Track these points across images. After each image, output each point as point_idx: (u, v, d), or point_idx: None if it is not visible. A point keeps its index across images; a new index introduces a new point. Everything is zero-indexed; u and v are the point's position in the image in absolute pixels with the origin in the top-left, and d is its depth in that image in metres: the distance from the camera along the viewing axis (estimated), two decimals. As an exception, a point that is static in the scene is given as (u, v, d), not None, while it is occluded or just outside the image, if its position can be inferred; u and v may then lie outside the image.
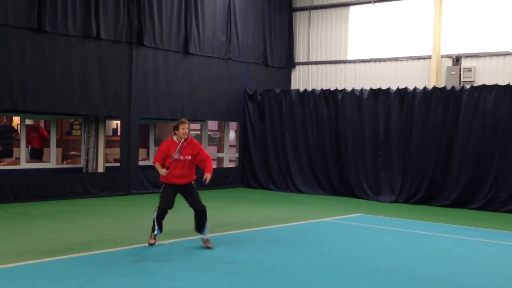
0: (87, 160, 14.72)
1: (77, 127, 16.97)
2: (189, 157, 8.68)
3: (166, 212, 8.70)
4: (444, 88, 14.84)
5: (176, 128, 8.67)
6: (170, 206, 8.73)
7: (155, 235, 8.70)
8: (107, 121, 15.93)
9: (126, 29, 14.56)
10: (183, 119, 8.78)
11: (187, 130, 8.64)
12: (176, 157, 8.56)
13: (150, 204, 13.31)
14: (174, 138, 8.72)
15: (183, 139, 8.60)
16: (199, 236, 8.79)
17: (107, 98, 14.34)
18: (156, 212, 8.65)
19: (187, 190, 8.73)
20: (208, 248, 8.55)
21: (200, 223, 8.69)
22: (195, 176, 8.89)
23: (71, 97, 13.65)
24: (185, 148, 8.64)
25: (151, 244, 8.63)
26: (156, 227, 8.65)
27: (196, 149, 8.74)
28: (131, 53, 14.79)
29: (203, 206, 8.68)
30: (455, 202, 14.34)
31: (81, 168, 14.74)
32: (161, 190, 8.83)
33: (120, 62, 14.59)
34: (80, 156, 15.07)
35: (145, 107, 15.26)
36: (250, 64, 18.01)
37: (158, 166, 8.70)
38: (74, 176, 14.12)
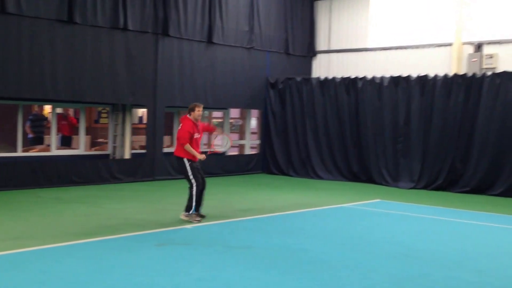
0: (114, 147, 15.17)
1: (105, 115, 17.45)
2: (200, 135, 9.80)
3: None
4: (465, 75, 14.88)
5: (192, 110, 9.64)
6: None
7: (196, 214, 9.58)
8: (133, 110, 16.35)
9: (152, 20, 14.91)
10: (198, 103, 9.83)
11: (202, 112, 9.77)
12: (196, 136, 9.62)
13: (174, 189, 13.76)
14: (192, 118, 9.65)
15: (197, 120, 9.67)
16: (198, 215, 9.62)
17: (134, 87, 14.75)
18: (196, 189, 9.46)
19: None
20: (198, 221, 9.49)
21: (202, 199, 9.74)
22: None
23: (99, 86, 14.07)
24: (199, 127, 9.75)
25: (198, 221, 9.45)
26: (194, 206, 9.48)
27: (200, 126, 9.89)
28: (157, 43, 15.15)
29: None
30: (475, 188, 14.45)
31: (108, 155, 15.20)
32: (188, 167, 9.53)
33: (146, 52, 14.96)
34: (107, 143, 15.52)
35: (170, 96, 15.64)
36: (272, 53, 18.24)
37: (191, 149, 9.54)
38: (102, 162, 14.60)
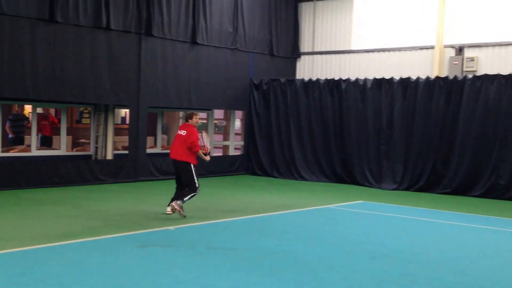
0: (96, 148, 15.07)
1: (87, 115, 17.32)
2: None
3: None
4: (446, 77, 15.03)
5: (190, 117, 10.44)
6: None
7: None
8: (116, 110, 16.25)
9: (135, 20, 14.83)
10: (194, 111, 10.74)
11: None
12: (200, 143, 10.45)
13: (157, 190, 13.68)
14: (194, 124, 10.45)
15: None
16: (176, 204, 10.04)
17: (116, 87, 14.65)
18: (198, 191, 10.27)
19: None
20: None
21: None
22: None
23: (81, 86, 13.95)
24: None
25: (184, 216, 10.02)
26: (186, 200, 10.15)
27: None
28: (140, 43, 15.07)
29: None
30: (456, 189, 14.60)
31: (90, 155, 15.08)
32: (194, 172, 10.22)
33: (129, 52, 14.87)
34: (89, 143, 15.41)
35: (153, 96, 15.56)
36: (256, 54, 18.25)
37: (202, 154, 10.46)
38: (84, 163, 14.47)
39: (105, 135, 15.10)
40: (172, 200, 10.16)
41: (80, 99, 14.24)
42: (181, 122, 20.07)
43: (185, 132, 10.20)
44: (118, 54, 14.60)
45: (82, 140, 17.03)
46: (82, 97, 14.13)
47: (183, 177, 10.24)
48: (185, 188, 10.22)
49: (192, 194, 10.18)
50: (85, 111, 17.65)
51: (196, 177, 10.21)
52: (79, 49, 13.83)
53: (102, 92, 14.37)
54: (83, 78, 13.95)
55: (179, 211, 9.92)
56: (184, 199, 10.07)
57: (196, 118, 10.41)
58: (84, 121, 18.07)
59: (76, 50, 13.79)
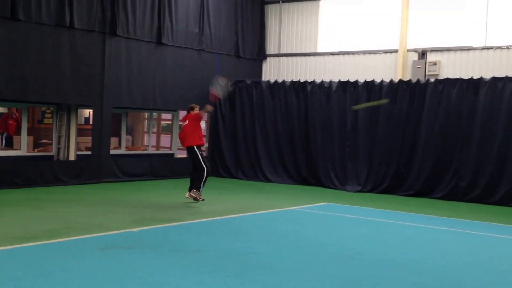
0: (59, 148, 14.80)
1: (49, 115, 17.01)
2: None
3: None
4: (409, 81, 15.29)
5: (192, 109, 12.09)
6: None
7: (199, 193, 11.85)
8: (79, 110, 16.00)
9: (99, 19, 14.62)
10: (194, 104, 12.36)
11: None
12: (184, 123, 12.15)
13: (121, 192, 13.52)
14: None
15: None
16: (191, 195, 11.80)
17: (79, 87, 14.42)
18: (206, 173, 11.66)
19: None
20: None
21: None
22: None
23: (43, 85, 13.69)
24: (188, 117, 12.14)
25: (203, 199, 11.82)
26: (202, 186, 11.77)
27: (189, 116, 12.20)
28: (104, 43, 14.87)
29: None
30: (418, 191, 14.84)
31: (52, 156, 14.81)
32: (199, 155, 11.76)
33: (93, 52, 14.66)
34: (51, 144, 15.12)
35: (118, 96, 15.37)
36: (222, 55, 18.21)
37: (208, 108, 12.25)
38: (46, 164, 14.19)
39: (68, 135, 14.84)
40: (190, 189, 11.88)
41: (42, 99, 13.96)
42: (146, 123, 19.91)
43: (187, 120, 11.95)
44: (82, 53, 14.38)
45: (44, 141, 16.71)
46: (44, 96, 13.86)
47: (192, 162, 11.88)
48: (195, 173, 11.78)
49: (202, 177, 11.70)
50: (47, 111, 17.33)
51: (202, 159, 11.69)
52: (41, 48, 13.57)
53: (65, 92, 14.12)
54: (45, 78, 13.69)
55: (196, 197, 11.71)
56: (200, 189, 11.81)
57: (196, 109, 12.01)
58: (46, 121, 17.74)
59: (38, 49, 13.52)
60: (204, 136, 18.89)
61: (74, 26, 14.03)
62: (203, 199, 11.89)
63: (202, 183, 11.86)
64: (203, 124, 19.03)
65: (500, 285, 7.03)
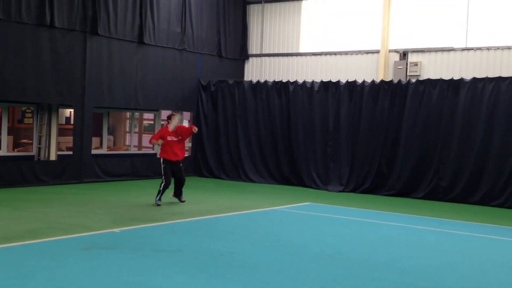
0: (39, 148, 14.65)
1: (29, 115, 16.79)
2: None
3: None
4: (391, 81, 15.40)
5: (169, 118, 12.04)
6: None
7: (158, 203, 11.78)
8: (60, 110, 15.85)
9: (80, 18, 14.51)
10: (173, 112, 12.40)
11: (178, 120, 12.28)
12: (170, 138, 11.89)
13: (102, 192, 13.42)
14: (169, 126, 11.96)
15: (174, 126, 12.00)
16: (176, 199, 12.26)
17: (60, 86, 14.29)
18: (163, 185, 11.80)
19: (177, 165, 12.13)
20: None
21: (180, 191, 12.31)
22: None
23: (23, 85, 13.55)
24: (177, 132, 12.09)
25: (158, 205, 11.72)
26: (159, 196, 11.78)
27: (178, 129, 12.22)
28: (85, 42, 14.76)
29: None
30: (400, 191, 14.96)
31: (33, 156, 14.66)
32: (162, 167, 11.91)
33: (74, 51, 14.54)
34: (32, 144, 14.97)
35: (99, 96, 15.26)
36: (204, 55, 18.18)
37: (155, 142, 12.41)
38: (26, 164, 14.05)
39: (49, 135, 14.70)
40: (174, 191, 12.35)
41: (22, 98, 13.83)
42: (127, 122, 19.78)
43: (181, 137, 12.24)
44: (63, 52, 14.26)
45: (24, 141, 16.50)
46: (24, 96, 13.73)
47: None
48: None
49: (160, 188, 11.86)
50: (28, 110, 17.11)
51: (164, 172, 11.90)
52: (21, 46, 13.43)
53: (46, 92, 13.99)
54: (25, 77, 13.55)
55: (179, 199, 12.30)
56: (157, 197, 11.89)
57: (174, 120, 12.04)
58: (26, 120, 17.49)
59: (18, 48, 13.38)
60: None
61: (54, 25, 13.91)
62: (158, 204, 11.81)
63: (159, 193, 11.89)
64: (186, 124, 19.02)
65: (480, 284, 7.11)
